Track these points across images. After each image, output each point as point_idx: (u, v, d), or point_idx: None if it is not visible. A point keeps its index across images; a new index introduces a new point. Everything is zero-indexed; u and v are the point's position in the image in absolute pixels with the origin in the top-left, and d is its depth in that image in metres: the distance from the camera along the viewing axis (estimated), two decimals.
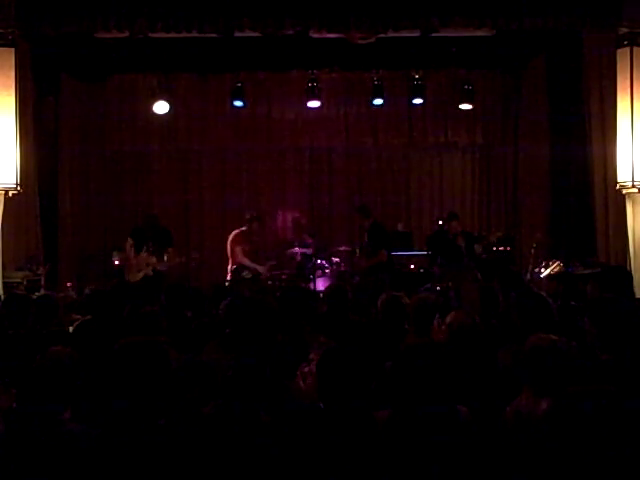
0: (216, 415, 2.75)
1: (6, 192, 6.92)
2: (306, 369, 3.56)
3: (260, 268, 9.00)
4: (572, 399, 2.28)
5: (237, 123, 10.89)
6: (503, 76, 11.03)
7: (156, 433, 2.67)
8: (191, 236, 10.98)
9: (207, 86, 10.92)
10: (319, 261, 9.41)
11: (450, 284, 7.71)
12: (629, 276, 5.41)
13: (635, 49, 6.96)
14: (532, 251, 8.47)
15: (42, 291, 7.40)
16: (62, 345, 3.19)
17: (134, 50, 8.80)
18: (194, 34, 7.20)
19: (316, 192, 11.31)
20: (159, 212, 9.67)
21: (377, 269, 8.55)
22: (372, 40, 7.63)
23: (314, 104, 10.25)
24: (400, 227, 10.45)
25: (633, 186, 7.05)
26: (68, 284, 9.02)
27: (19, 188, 7.00)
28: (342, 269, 9.66)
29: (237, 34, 7.36)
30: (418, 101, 10.46)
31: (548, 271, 7.89)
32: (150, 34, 7.27)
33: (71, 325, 4.91)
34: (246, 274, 8.79)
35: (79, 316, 5.41)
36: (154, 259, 8.26)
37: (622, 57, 7.06)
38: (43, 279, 8.10)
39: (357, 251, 9.43)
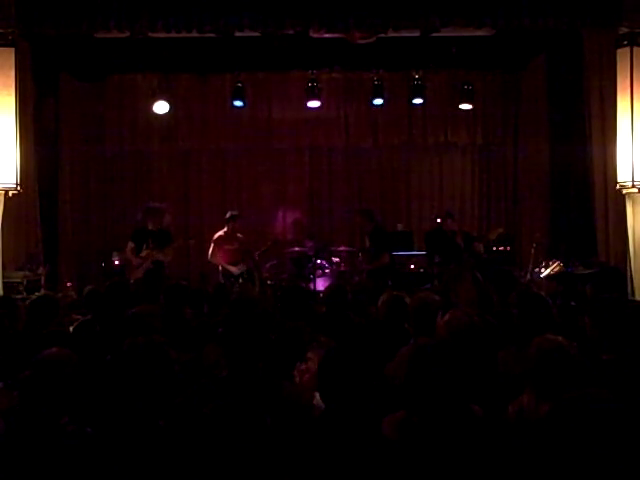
0: (216, 415, 2.74)
1: (6, 192, 6.92)
2: (303, 367, 3.56)
3: (233, 269, 8.94)
4: (573, 401, 2.27)
5: (237, 123, 10.89)
6: (503, 76, 11.04)
7: (156, 434, 2.67)
8: (191, 236, 10.95)
9: (207, 86, 10.93)
10: (319, 261, 9.42)
11: (449, 283, 7.71)
12: (622, 276, 5.44)
13: (635, 49, 6.95)
14: (532, 251, 8.47)
15: (42, 291, 7.40)
16: (62, 345, 3.19)
17: (134, 50, 8.80)
18: (194, 34, 7.19)
19: (316, 192, 11.32)
20: None
21: (380, 272, 8.55)
22: (372, 40, 7.63)
23: (314, 104, 10.25)
24: (400, 227, 10.47)
25: (633, 186, 7.05)
26: (68, 284, 9.04)
27: (19, 188, 6.99)
28: (342, 269, 9.67)
29: (237, 34, 7.36)
30: (418, 101, 10.47)
31: (548, 271, 7.89)
32: (150, 34, 7.27)
33: (71, 325, 4.92)
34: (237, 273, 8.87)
35: (79, 316, 5.42)
36: (154, 252, 8.24)
37: (622, 57, 7.05)
38: (43, 279, 8.10)
39: (359, 254, 9.41)
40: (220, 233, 9.19)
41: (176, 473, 2.62)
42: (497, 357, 3.76)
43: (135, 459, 2.60)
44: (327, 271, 9.45)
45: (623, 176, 7.15)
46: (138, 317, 4.21)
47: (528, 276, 8.14)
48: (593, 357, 3.42)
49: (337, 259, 9.73)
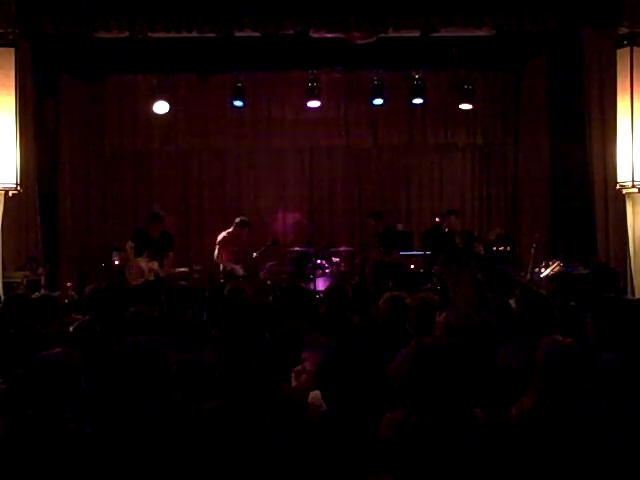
0: (217, 413, 2.74)
1: (6, 192, 6.93)
2: (298, 367, 3.55)
3: (237, 269, 9.04)
4: (570, 400, 2.27)
5: (237, 123, 10.89)
6: (503, 76, 11.04)
7: (157, 432, 2.67)
8: (191, 236, 10.98)
9: (207, 86, 10.92)
10: (319, 261, 9.42)
11: (448, 283, 7.72)
12: (615, 276, 5.45)
13: (635, 49, 6.96)
14: (532, 251, 8.48)
15: (42, 291, 7.40)
16: (62, 345, 3.19)
17: (134, 50, 8.80)
18: (194, 34, 7.20)
19: (316, 192, 11.31)
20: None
21: (389, 268, 8.61)
22: (372, 40, 7.63)
23: (314, 104, 10.25)
24: (400, 227, 10.46)
25: (633, 186, 7.06)
26: (68, 284, 9.04)
27: (19, 188, 7.00)
28: (342, 269, 9.67)
29: (237, 34, 7.36)
30: (418, 101, 10.47)
31: (548, 271, 7.90)
32: (150, 34, 7.27)
33: (71, 325, 4.91)
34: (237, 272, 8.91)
35: (79, 316, 5.41)
36: (155, 265, 8.28)
37: (622, 57, 7.06)
38: (43, 279, 8.09)
39: (377, 245, 9.43)
40: (224, 234, 9.25)
41: (177, 472, 2.62)
42: (496, 356, 3.76)
43: (136, 458, 2.60)
44: (327, 271, 9.46)
45: (623, 176, 7.15)
46: (136, 317, 4.21)
47: (528, 276, 8.14)
48: (595, 357, 3.42)
49: (337, 259, 9.74)
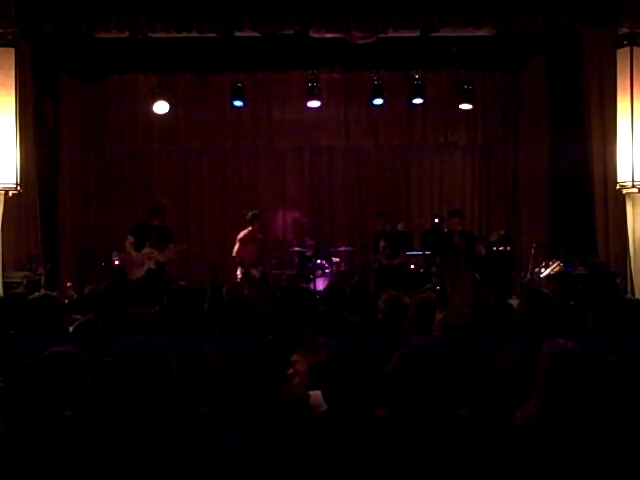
0: (218, 414, 2.75)
1: (6, 192, 6.92)
2: (290, 371, 3.53)
3: (254, 272, 9.12)
4: (578, 405, 2.27)
5: (237, 123, 10.90)
6: (503, 76, 11.04)
7: (157, 432, 2.67)
8: (191, 236, 10.97)
9: (207, 86, 10.92)
10: (319, 261, 9.42)
11: (447, 283, 7.73)
12: (611, 276, 5.46)
13: (635, 49, 6.95)
14: (532, 251, 8.48)
15: (42, 291, 7.40)
16: (62, 345, 3.19)
17: (134, 50, 8.80)
18: (194, 34, 7.19)
19: (316, 192, 11.32)
20: None
21: (393, 270, 8.62)
22: (372, 40, 7.62)
23: (314, 104, 10.25)
24: (400, 227, 10.46)
25: (633, 186, 7.05)
26: (68, 284, 9.05)
27: (19, 188, 6.99)
28: (342, 269, 9.68)
29: (237, 34, 7.36)
30: (418, 101, 10.47)
31: (548, 271, 7.90)
32: (150, 34, 7.27)
33: (71, 325, 4.91)
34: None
35: (79, 316, 5.41)
36: (156, 252, 8.25)
37: (622, 57, 7.05)
38: (43, 279, 8.10)
39: (366, 251, 9.47)
40: (245, 232, 9.38)
41: (176, 472, 2.62)
42: (495, 356, 3.76)
43: (135, 458, 2.60)
44: (327, 271, 9.46)
45: (623, 176, 7.14)
46: (134, 317, 4.22)
47: (528, 276, 8.15)
48: (595, 357, 3.41)
49: (337, 259, 9.74)
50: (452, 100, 10.55)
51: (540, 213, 10.27)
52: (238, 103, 10.28)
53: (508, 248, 9.40)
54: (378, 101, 10.39)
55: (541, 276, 7.92)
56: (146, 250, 8.20)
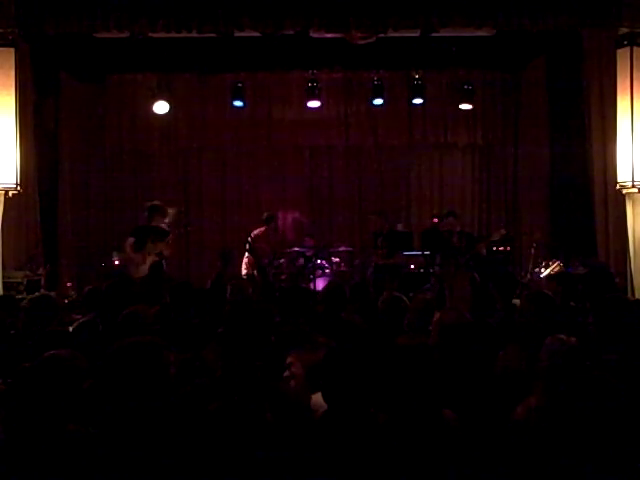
0: (219, 414, 2.74)
1: (6, 192, 6.92)
2: (286, 373, 3.52)
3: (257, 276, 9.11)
4: (579, 401, 2.27)
5: (237, 123, 10.90)
6: (503, 76, 11.04)
7: (157, 432, 2.67)
8: (191, 236, 10.95)
9: (207, 86, 10.93)
10: (319, 261, 9.42)
11: (445, 283, 7.72)
12: (610, 276, 5.46)
13: (635, 49, 6.95)
14: (532, 251, 8.48)
15: (42, 291, 7.40)
16: (62, 345, 3.19)
17: (134, 50, 8.79)
18: (194, 34, 7.19)
19: (316, 192, 11.32)
20: None
21: (391, 270, 8.61)
22: (372, 40, 7.63)
23: (314, 104, 10.26)
24: (400, 227, 10.46)
25: (633, 186, 7.05)
26: (68, 284, 9.04)
27: (19, 188, 6.99)
28: (342, 269, 9.67)
29: (237, 34, 7.36)
30: (418, 101, 10.48)
31: (548, 271, 7.90)
32: (150, 34, 7.27)
33: (71, 325, 4.91)
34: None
35: (79, 316, 5.41)
36: (158, 246, 8.22)
37: (622, 57, 7.05)
38: (43, 279, 8.09)
39: (378, 245, 9.42)
40: (258, 231, 9.55)
41: (176, 473, 2.62)
42: (495, 355, 3.76)
43: (134, 459, 2.60)
44: (327, 271, 9.46)
45: (623, 176, 7.15)
46: (132, 318, 4.22)
47: (528, 276, 8.14)
48: (596, 356, 3.42)
49: (337, 259, 9.74)
50: (452, 100, 10.55)
51: (540, 213, 10.27)
52: (238, 103, 10.28)
53: (508, 248, 9.40)
54: (378, 101, 10.40)
55: (541, 276, 7.93)
56: (147, 248, 8.18)
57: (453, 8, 7.10)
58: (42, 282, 8.03)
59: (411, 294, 5.99)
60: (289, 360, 3.36)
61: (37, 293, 6.85)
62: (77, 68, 10.24)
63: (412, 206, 11.34)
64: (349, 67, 10.60)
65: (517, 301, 5.13)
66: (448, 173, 11.40)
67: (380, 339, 4.30)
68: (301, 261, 9.57)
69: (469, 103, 10.29)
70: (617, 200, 7.46)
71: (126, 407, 2.73)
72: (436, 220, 9.37)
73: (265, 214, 9.75)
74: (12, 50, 6.86)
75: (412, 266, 9.65)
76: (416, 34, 7.63)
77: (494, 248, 9.21)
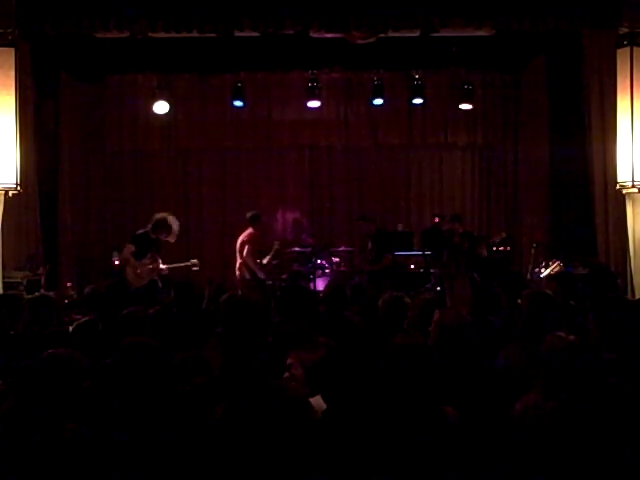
0: (219, 414, 2.74)
1: (6, 192, 6.92)
2: (286, 374, 3.52)
3: (260, 274, 9.04)
4: (577, 398, 2.27)
5: (237, 123, 10.90)
6: (503, 76, 11.04)
7: (157, 433, 2.67)
8: (191, 236, 10.97)
9: (207, 86, 10.93)
10: (319, 261, 9.42)
11: (445, 283, 7.74)
12: (611, 275, 5.46)
13: (635, 49, 6.95)
14: (532, 251, 8.48)
15: (42, 291, 7.40)
16: (62, 345, 3.19)
17: (134, 50, 8.80)
18: (194, 34, 7.19)
19: (316, 192, 11.32)
20: (159, 211, 9.56)
21: (382, 274, 8.56)
22: (372, 40, 7.63)
23: (314, 104, 10.25)
24: (400, 227, 10.47)
25: (633, 186, 7.05)
26: (68, 284, 9.04)
27: (19, 188, 6.99)
28: (342, 269, 9.67)
29: (237, 34, 7.36)
30: (418, 101, 10.47)
31: (548, 271, 7.90)
32: (150, 34, 7.27)
33: (71, 325, 4.91)
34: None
35: (79, 316, 5.41)
36: (158, 262, 8.25)
37: (622, 57, 7.05)
38: (43, 279, 8.09)
39: (360, 255, 9.41)
40: (250, 232, 9.16)
41: (176, 473, 2.62)
42: (495, 355, 3.76)
43: (134, 459, 2.60)
44: (327, 271, 9.45)
45: (623, 176, 7.15)
46: (130, 318, 4.21)
47: (528, 276, 8.14)
48: (596, 356, 3.42)
49: (337, 259, 9.73)
50: (452, 100, 10.54)
51: (540, 213, 10.27)
52: (238, 103, 10.27)
53: (508, 248, 9.40)
54: (378, 101, 10.39)
55: (541, 276, 7.92)
56: (146, 261, 8.16)
57: (453, 8, 7.10)
58: (42, 282, 8.03)
59: (412, 293, 5.99)
60: (289, 361, 3.36)
61: (37, 293, 6.85)
62: (77, 68, 10.24)
63: (412, 206, 11.34)
64: (349, 67, 10.59)
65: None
66: (448, 173, 11.39)
67: (380, 339, 4.31)
68: (296, 265, 9.56)
69: (469, 103, 10.28)
70: (617, 200, 7.46)
71: (126, 406, 2.73)
72: (437, 219, 9.36)
73: (249, 213, 9.25)
74: (12, 50, 6.85)
75: (412, 266, 9.65)
76: (416, 34, 7.63)
77: (494, 248, 9.21)
